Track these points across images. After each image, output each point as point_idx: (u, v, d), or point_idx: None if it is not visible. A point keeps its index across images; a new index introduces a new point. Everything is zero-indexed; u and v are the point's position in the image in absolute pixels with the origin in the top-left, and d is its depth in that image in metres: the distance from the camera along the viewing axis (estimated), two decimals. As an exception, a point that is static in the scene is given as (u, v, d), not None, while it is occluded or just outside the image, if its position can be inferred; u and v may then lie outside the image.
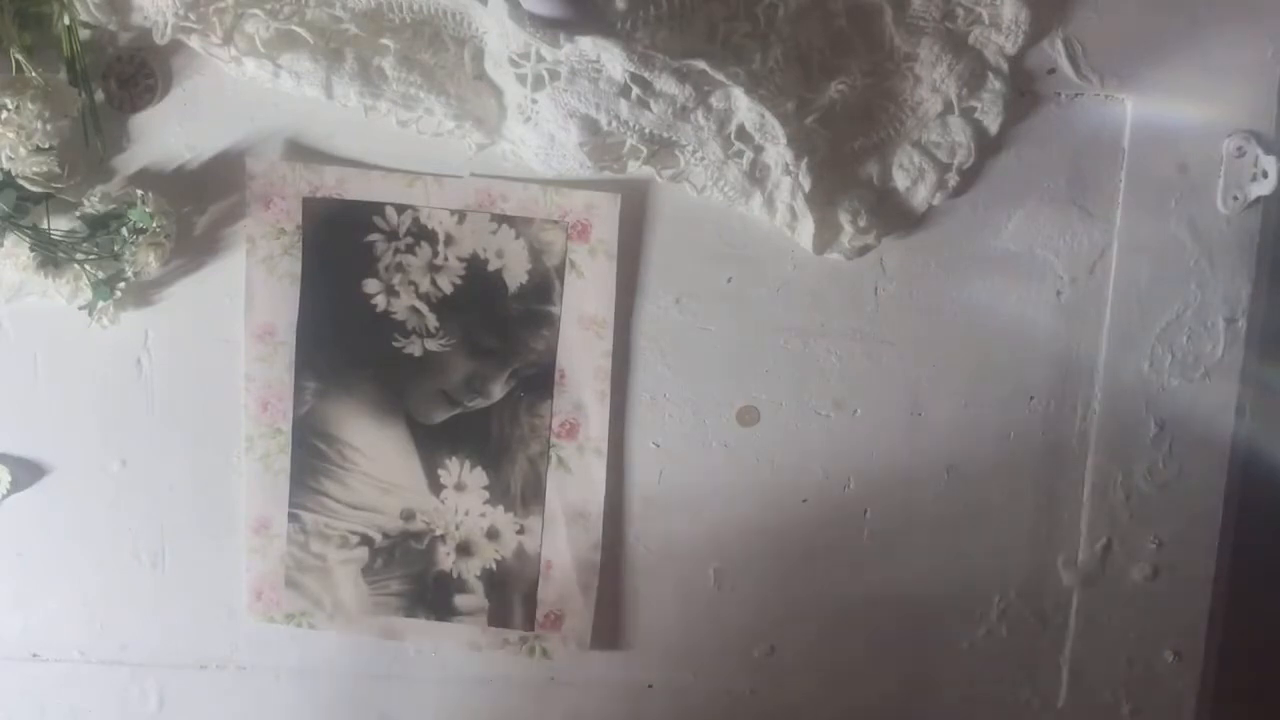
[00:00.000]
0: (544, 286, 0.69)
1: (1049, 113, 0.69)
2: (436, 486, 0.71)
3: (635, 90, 0.63)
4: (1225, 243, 0.70)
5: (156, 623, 0.72)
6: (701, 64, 0.62)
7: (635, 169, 0.67)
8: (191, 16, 0.63)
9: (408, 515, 0.71)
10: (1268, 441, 0.72)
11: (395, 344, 0.69)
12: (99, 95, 0.66)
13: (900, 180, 0.68)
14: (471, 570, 0.71)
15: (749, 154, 0.66)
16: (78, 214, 0.65)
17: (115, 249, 0.65)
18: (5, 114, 0.60)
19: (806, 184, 0.66)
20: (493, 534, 0.71)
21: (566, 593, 0.71)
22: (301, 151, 0.68)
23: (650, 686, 0.74)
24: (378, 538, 0.71)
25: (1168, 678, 0.74)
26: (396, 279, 0.69)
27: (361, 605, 0.72)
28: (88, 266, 0.65)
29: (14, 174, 0.63)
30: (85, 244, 0.65)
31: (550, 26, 0.61)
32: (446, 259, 0.69)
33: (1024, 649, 0.74)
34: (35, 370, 0.70)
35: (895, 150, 0.68)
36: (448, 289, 0.69)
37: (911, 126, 0.68)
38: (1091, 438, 0.72)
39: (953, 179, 0.68)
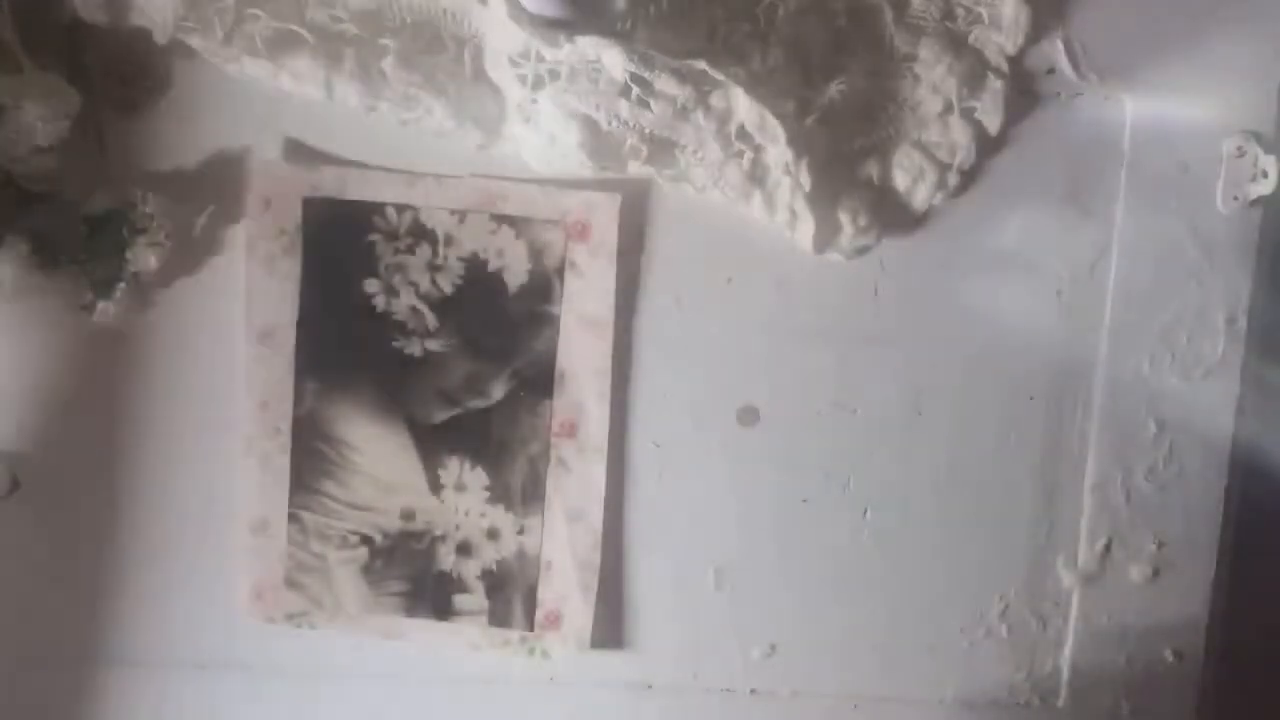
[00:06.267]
0: (544, 286, 0.69)
1: (1049, 113, 0.69)
2: (436, 486, 0.71)
3: (635, 90, 0.63)
4: (1225, 243, 0.70)
5: (156, 623, 0.72)
6: (701, 64, 0.62)
7: (635, 169, 0.67)
8: (191, 16, 0.63)
9: (408, 515, 0.71)
10: (1268, 441, 0.72)
11: (395, 344, 0.69)
12: (99, 95, 0.66)
13: (900, 180, 0.68)
14: (471, 570, 0.71)
15: (749, 154, 0.66)
16: (78, 214, 0.65)
17: (115, 249, 0.65)
18: (5, 114, 0.60)
19: (806, 184, 0.66)
20: (493, 534, 0.71)
21: (566, 593, 0.71)
22: (301, 151, 0.68)
23: (650, 686, 0.74)
24: (378, 538, 0.71)
25: (1168, 678, 0.74)
26: (396, 279, 0.69)
27: (361, 605, 0.72)
28: (88, 266, 0.65)
29: (14, 174, 0.63)
30: (85, 244, 0.65)
31: (550, 26, 0.61)
32: (446, 259, 0.69)
33: (1024, 649, 0.74)
34: (35, 370, 0.69)
35: (895, 150, 0.68)
36: (448, 289, 0.69)
37: (911, 126, 0.68)
38: (1091, 438, 0.72)
39: (953, 179, 0.68)
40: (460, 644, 0.72)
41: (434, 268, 0.69)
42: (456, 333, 0.69)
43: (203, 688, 0.73)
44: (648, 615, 0.73)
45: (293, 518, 0.71)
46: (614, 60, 0.61)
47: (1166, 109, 0.69)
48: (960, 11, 0.67)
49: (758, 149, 0.66)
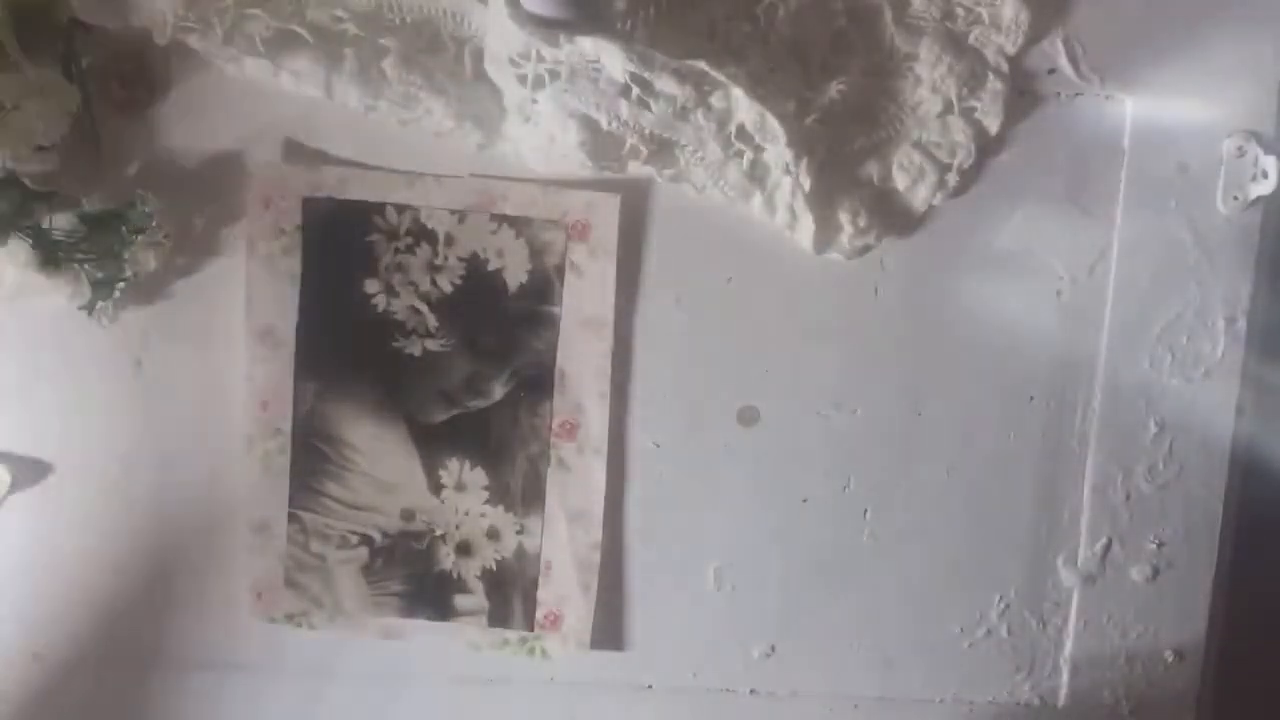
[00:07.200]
0: (544, 286, 0.69)
1: (1049, 113, 0.69)
2: (436, 486, 0.71)
3: (635, 90, 0.63)
4: (1225, 243, 0.70)
5: (157, 623, 0.72)
6: (701, 64, 0.62)
7: (635, 169, 0.67)
8: (191, 16, 0.63)
9: (408, 515, 0.71)
10: (1268, 441, 0.72)
11: (395, 344, 0.69)
12: (99, 95, 0.66)
13: (900, 180, 0.68)
14: (471, 570, 0.71)
15: (749, 154, 0.66)
16: (77, 214, 0.65)
17: (115, 249, 0.65)
18: (5, 114, 0.60)
19: (806, 184, 0.66)
20: (493, 534, 0.71)
21: (566, 593, 0.71)
22: (301, 151, 0.68)
23: (650, 686, 0.74)
24: (378, 538, 0.71)
25: (1168, 678, 0.74)
26: (396, 279, 0.69)
27: (361, 605, 0.72)
28: (88, 266, 0.65)
29: (18, 173, 0.63)
30: (85, 244, 0.65)
31: (550, 26, 0.61)
32: (446, 259, 0.69)
33: (1024, 649, 0.74)
34: (35, 370, 0.70)
35: (895, 150, 0.68)
36: (448, 289, 0.69)
37: (911, 126, 0.68)
38: (1091, 438, 0.72)
39: (953, 179, 0.68)
40: (460, 644, 0.72)
41: (434, 268, 0.69)
42: (456, 333, 0.69)
43: (203, 688, 0.73)
44: (648, 615, 0.73)
45: (293, 518, 0.71)
46: (614, 60, 0.61)
47: (1166, 109, 0.69)
48: (960, 11, 0.67)
49: (758, 149, 0.66)
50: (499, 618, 0.72)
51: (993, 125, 0.68)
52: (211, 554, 0.71)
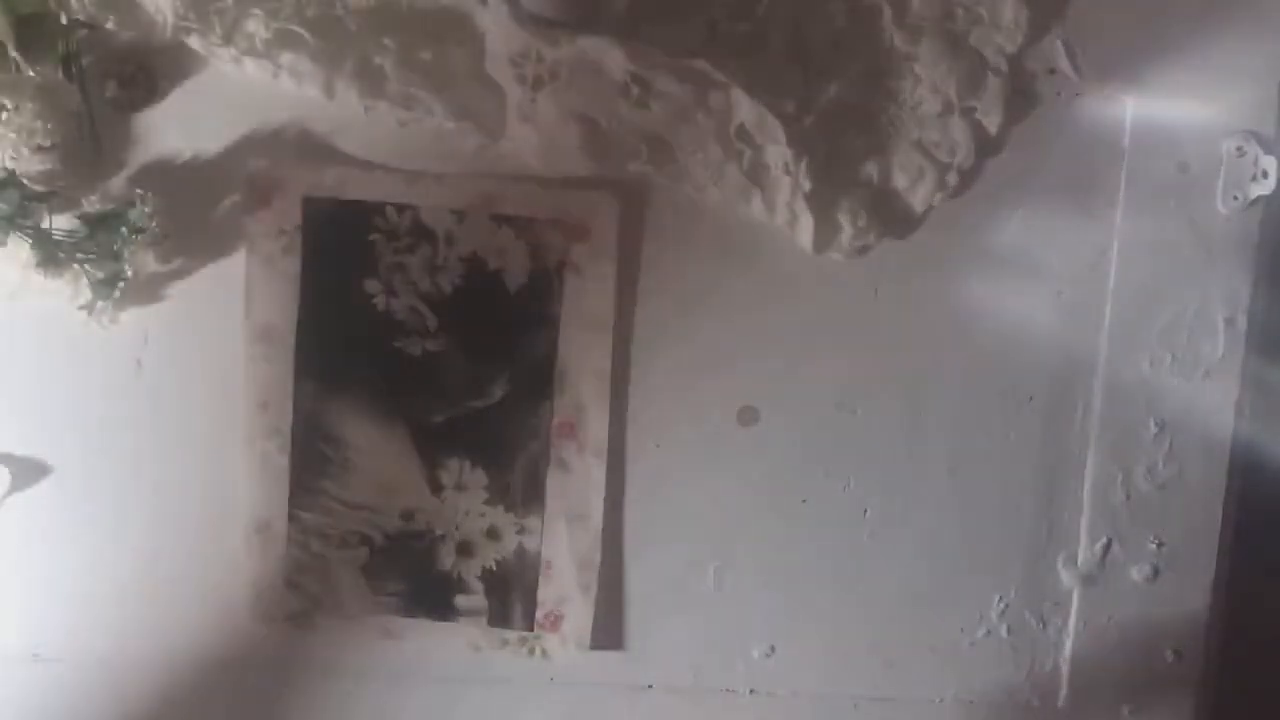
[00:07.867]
0: (544, 287, 0.69)
1: (1049, 113, 0.69)
2: (436, 486, 0.71)
3: (635, 90, 0.63)
4: (1225, 243, 0.70)
5: (156, 623, 0.72)
6: (701, 64, 0.62)
7: (635, 169, 0.67)
8: (191, 16, 0.63)
9: (408, 515, 0.71)
10: (1268, 441, 0.72)
11: (395, 344, 0.69)
12: (98, 95, 0.66)
13: (900, 180, 0.68)
14: (471, 570, 0.71)
15: (749, 154, 0.66)
16: (77, 214, 0.65)
17: (115, 249, 0.65)
18: (5, 114, 0.60)
19: (806, 184, 0.66)
20: (493, 534, 0.71)
21: (566, 593, 0.71)
22: (301, 151, 0.68)
23: (650, 686, 0.74)
24: (378, 538, 0.71)
25: (1168, 678, 0.74)
26: (396, 279, 0.69)
27: (361, 605, 0.72)
28: (87, 266, 0.65)
29: (18, 173, 0.63)
30: (85, 244, 0.65)
31: (550, 26, 0.61)
32: (446, 259, 0.69)
33: (1024, 649, 0.74)
34: (35, 370, 0.69)
35: (895, 150, 0.68)
36: (448, 289, 0.69)
37: (911, 126, 0.68)
38: (1091, 438, 0.72)
39: (953, 179, 0.68)
40: (460, 644, 0.72)
41: (434, 268, 0.69)
42: (456, 333, 0.69)
43: (203, 688, 0.73)
44: (648, 615, 0.73)
45: (293, 518, 0.71)
46: (614, 60, 0.62)
47: (1166, 109, 0.69)
48: (960, 11, 0.67)
49: (757, 149, 0.66)
50: (499, 618, 0.72)
51: (993, 125, 0.68)
52: (211, 554, 0.71)
